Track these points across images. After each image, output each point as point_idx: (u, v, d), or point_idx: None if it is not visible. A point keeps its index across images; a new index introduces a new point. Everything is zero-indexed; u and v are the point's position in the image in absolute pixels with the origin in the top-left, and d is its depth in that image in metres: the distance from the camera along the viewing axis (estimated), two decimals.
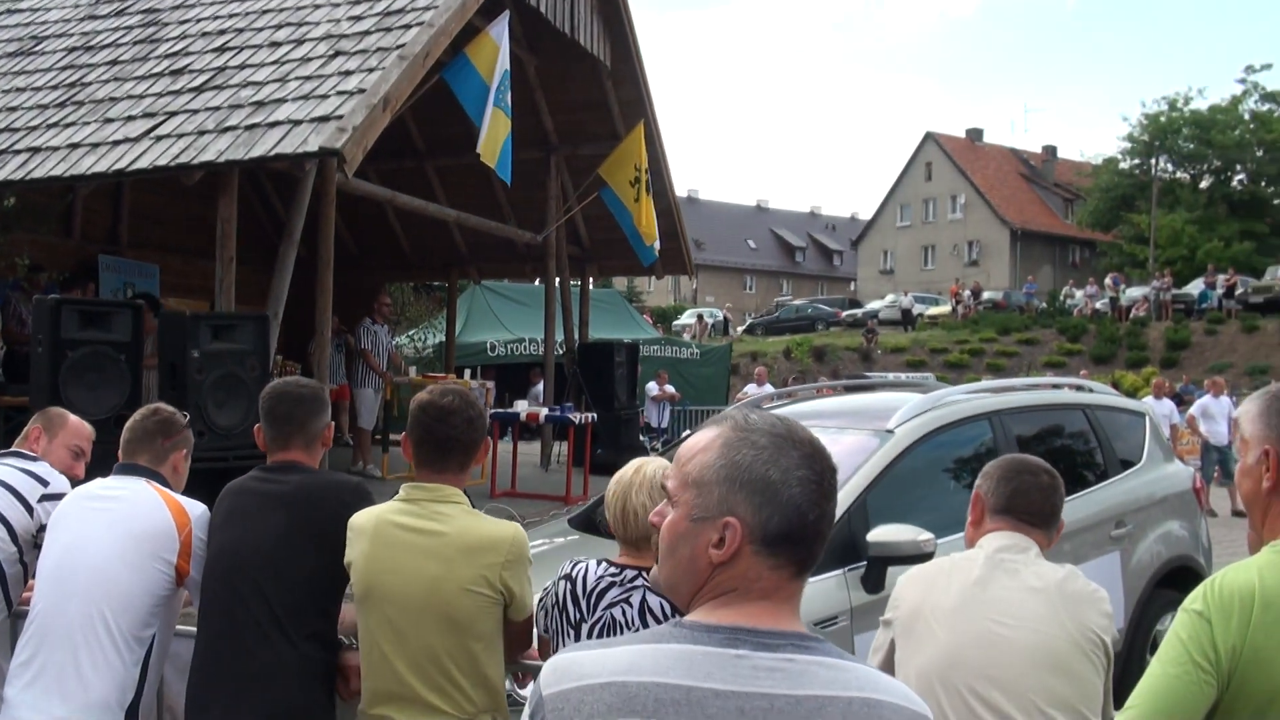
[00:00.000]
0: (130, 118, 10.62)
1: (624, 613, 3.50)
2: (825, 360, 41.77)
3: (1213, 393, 19.00)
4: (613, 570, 3.59)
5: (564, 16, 14.21)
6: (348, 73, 10.57)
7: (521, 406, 15.62)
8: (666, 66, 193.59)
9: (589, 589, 3.57)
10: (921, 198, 75.29)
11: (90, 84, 11.64)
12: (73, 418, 5.15)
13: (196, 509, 4.13)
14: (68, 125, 10.83)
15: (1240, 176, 60.55)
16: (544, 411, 15.22)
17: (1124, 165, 62.44)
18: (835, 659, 1.77)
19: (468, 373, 22.39)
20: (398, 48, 10.76)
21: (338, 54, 10.98)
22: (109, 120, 10.68)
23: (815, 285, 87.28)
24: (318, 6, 12.16)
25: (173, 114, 10.51)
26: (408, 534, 3.64)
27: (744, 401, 10.33)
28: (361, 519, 3.75)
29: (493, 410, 14.81)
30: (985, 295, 52.13)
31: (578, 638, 3.52)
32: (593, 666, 1.76)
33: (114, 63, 12.03)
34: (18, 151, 10.63)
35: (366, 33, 11.28)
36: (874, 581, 5.17)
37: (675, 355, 28.93)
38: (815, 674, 1.73)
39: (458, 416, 3.73)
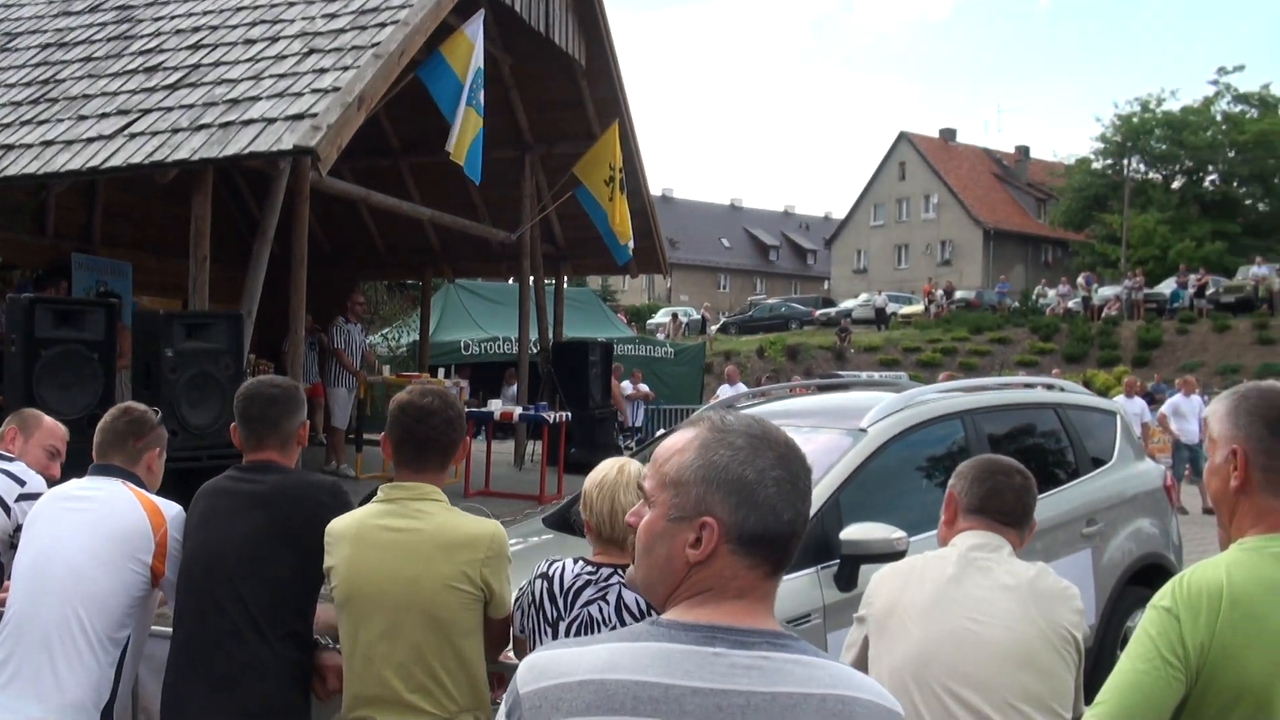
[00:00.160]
0: (104, 115, 10.57)
1: (601, 610, 3.52)
2: (799, 359, 41.83)
3: (1184, 391, 19.14)
4: (589, 568, 3.61)
5: (539, 15, 14.20)
6: (322, 71, 10.54)
7: (495, 405, 15.61)
8: (641, 66, 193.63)
9: (566, 587, 3.59)
10: (895, 197, 75.44)
11: (64, 81, 11.57)
12: (47, 418, 5.15)
13: (171, 509, 4.12)
14: (41, 122, 10.77)
15: (1212, 177, 60.99)
16: (518, 410, 15.21)
17: (1097, 165, 62.78)
18: (810, 656, 1.79)
19: (441, 371, 22.41)
20: (372, 46, 10.73)
21: (312, 52, 10.95)
22: (83, 118, 10.63)
23: (789, 284, 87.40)
24: (292, 4, 12.12)
25: (147, 111, 10.46)
26: (389, 534, 3.65)
27: (717, 401, 10.35)
28: (341, 524, 3.76)
29: (467, 409, 14.76)
30: (958, 294, 52.42)
31: (555, 636, 3.53)
32: (570, 664, 1.78)
33: (88, 59, 11.96)
34: None
35: (341, 31, 11.25)
36: (847, 579, 5.19)
37: (649, 354, 28.91)
38: (790, 671, 1.75)
39: (437, 417, 3.75)
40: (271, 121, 9.80)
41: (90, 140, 10.21)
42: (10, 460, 4.81)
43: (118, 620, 3.95)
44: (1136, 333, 40.39)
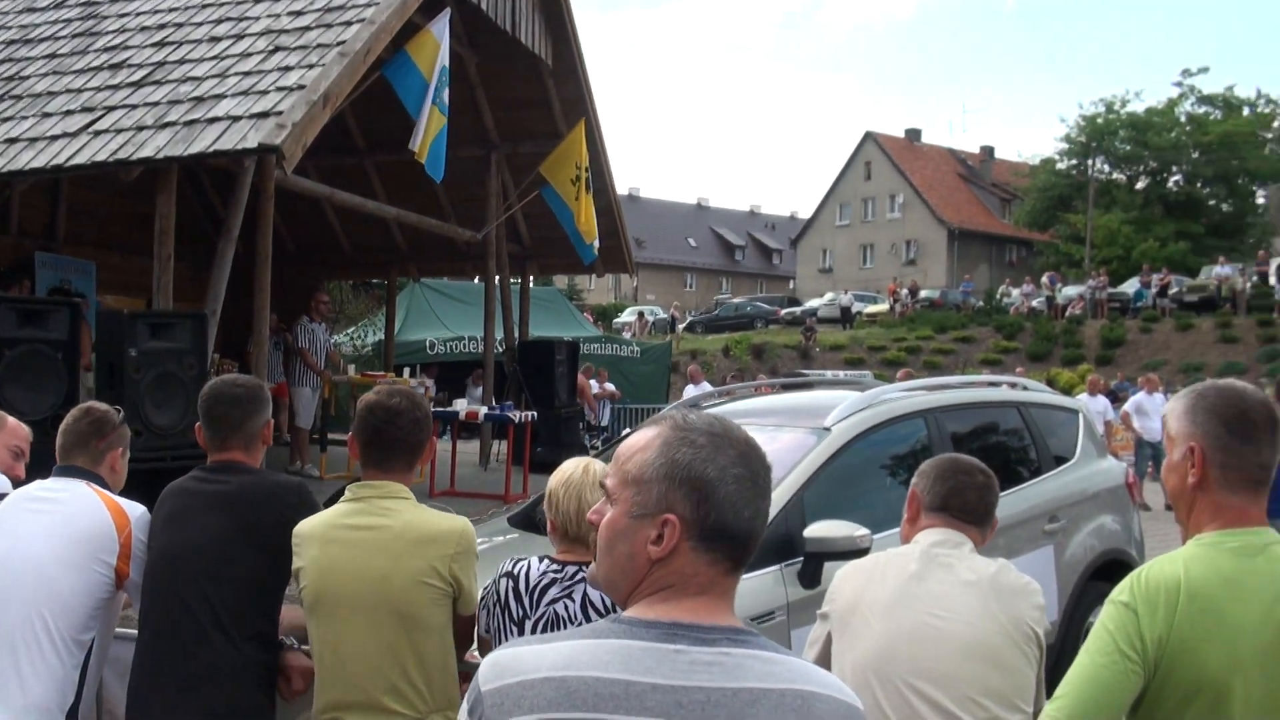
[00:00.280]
0: (69, 112, 10.49)
1: (566, 608, 3.53)
2: (764, 358, 41.89)
3: (1147, 390, 19.29)
4: (554, 567, 3.62)
5: (505, 14, 14.17)
6: (288, 69, 10.49)
7: (461, 405, 15.58)
8: (608, 65, 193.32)
9: (531, 586, 3.60)
10: (860, 197, 75.65)
11: (28, 78, 11.47)
12: (11, 419, 5.10)
13: (136, 510, 4.11)
14: (5, 119, 10.67)
15: (1176, 178, 61.49)
16: (483, 410, 15.19)
17: (1061, 166, 63.16)
18: (770, 653, 1.82)
19: (407, 371, 22.32)
20: (338, 44, 10.69)
21: (278, 50, 10.90)
22: (47, 114, 10.54)
23: (755, 283, 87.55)
24: (258, 1, 12.07)
25: (111, 109, 10.39)
26: (358, 532, 3.66)
27: (682, 400, 10.38)
28: (309, 525, 3.76)
29: (433, 408, 14.72)
30: (923, 294, 52.65)
31: (521, 635, 3.54)
32: (532, 662, 1.79)
33: (52, 56, 11.86)
34: None
35: (307, 29, 11.20)
36: (810, 577, 5.21)
37: (616, 353, 28.93)
38: (750, 667, 1.77)
39: (404, 418, 3.76)
40: (236, 119, 9.75)
41: (54, 138, 10.13)
42: None
43: (82, 622, 3.93)
44: (1100, 332, 40.66)
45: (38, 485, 4.19)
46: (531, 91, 16.35)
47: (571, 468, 3.73)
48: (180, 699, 3.77)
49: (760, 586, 5.10)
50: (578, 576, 3.55)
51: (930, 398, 6.92)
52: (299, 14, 11.55)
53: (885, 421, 6.37)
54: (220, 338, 10.30)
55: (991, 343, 41.90)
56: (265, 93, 10.10)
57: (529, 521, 6.43)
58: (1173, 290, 42.70)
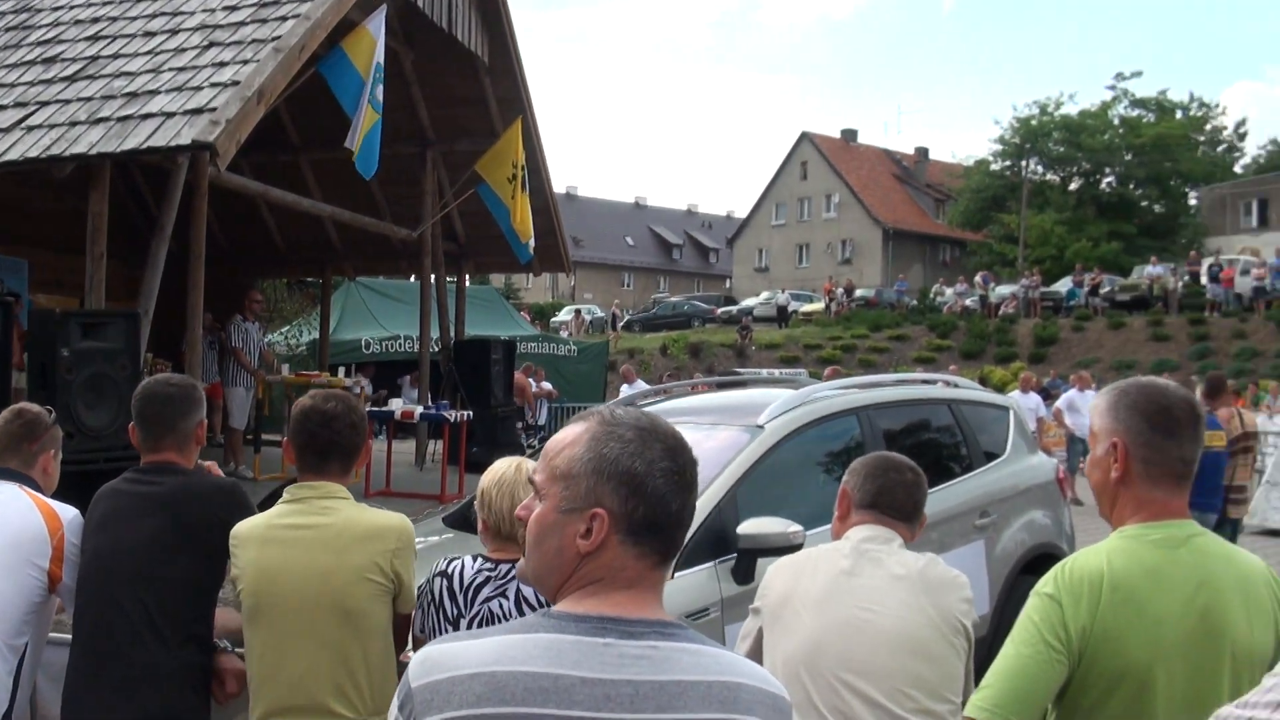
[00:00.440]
0: (1, 107, 10.37)
1: (501, 606, 3.55)
2: (701, 356, 42.02)
3: (1079, 387, 19.52)
4: (488, 565, 3.63)
5: (441, 11, 14.11)
6: (222, 64, 10.40)
7: (397, 405, 15.53)
8: (545, 64, 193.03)
9: (466, 584, 3.61)
10: (797, 197, 75.94)
11: None
12: None
13: (69, 513, 4.08)
14: None
15: (1109, 179, 62.35)
16: (419, 410, 15.14)
17: (995, 167, 63.81)
18: (697, 645, 1.85)
19: (342, 370, 22.19)
20: (273, 40, 10.62)
21: (212, 45, 10.81)
22: None
23: (692, 282, 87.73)
24: None
25: (44, 104, 10.26)
26: (297, 531, 3.66)
27: (618, 399, 10.40)
28: (246, 528, 3.74)
29: (369, 408, 14.68)
30: (858, 293, 53.04)
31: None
32: (461, 657, 1.80)
33: None
34: None
35: (241, 24, 11.11)
36: (744, 573, 5.26)
37: (553, 352, 28.91)
38: (678, 660, 1.80)
39: (340, 421, 3.77)
40: (170, 115, 9.67)
41: None
42: None
43: (15, 627, 3.88)
44: (1033, 330, 41.15)
45: None
46: (468, 89, 16.29)
47: (504, 466, 3.74)
48: (115, 702, 3.75)
49: (694, 583, 5.14)
50: (511, 574, 3.56)
51: (862, 395, 6.98)
52: (234, 9, 11.44)
53: (818, 419, 6.43)
54: (154, 337, 10.21)
55: (926, 341, 42.25)
56: (199, 89, 10.01)
57: (464, 521, 6.42)
58: (1105, 289, 43.35)
